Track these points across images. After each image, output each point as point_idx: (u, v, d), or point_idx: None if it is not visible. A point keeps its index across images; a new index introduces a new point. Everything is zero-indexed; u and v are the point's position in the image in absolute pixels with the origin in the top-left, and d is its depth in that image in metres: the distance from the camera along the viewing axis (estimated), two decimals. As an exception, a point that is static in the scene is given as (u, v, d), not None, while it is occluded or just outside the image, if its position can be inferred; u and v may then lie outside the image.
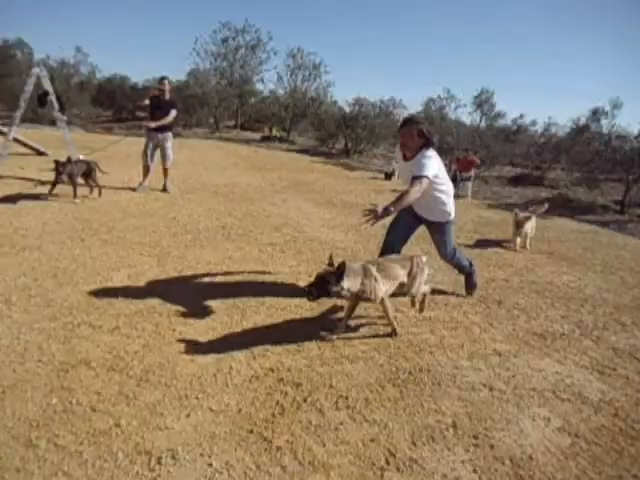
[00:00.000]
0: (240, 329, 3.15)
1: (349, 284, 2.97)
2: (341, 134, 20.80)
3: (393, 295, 3.32)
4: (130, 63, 73.23)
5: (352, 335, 3.23)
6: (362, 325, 3.41)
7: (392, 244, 3.85)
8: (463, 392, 2.67)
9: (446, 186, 3.68)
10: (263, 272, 4.29)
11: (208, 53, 28.04)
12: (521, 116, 25.03)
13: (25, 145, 9.39)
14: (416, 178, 3.32)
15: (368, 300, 3.15)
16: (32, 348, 2.65)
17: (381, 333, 3.32)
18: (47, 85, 8.14)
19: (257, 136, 24.86)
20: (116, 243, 4.68)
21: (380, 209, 3.17)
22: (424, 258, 3.55)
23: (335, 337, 3.15)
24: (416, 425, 2.35)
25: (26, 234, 4.63)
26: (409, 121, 3.59)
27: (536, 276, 4.99)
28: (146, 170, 7.38)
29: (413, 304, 3.75)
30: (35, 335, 2.79)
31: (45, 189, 6.59)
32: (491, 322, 3.68)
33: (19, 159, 8.84)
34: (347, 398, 2.51)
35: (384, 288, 3.15)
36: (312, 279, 3.03)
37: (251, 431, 2.17)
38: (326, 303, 3.61)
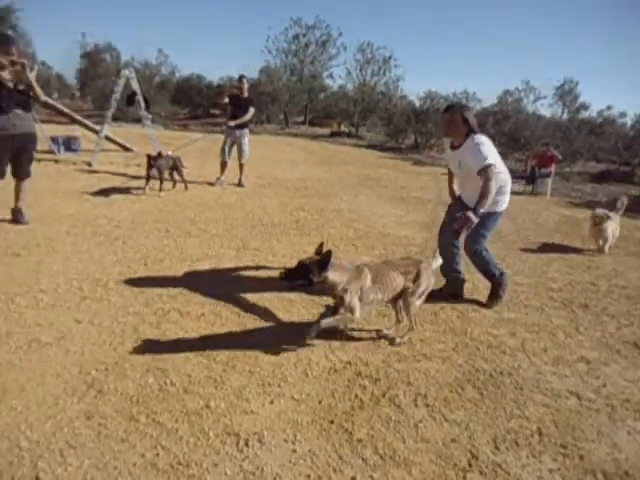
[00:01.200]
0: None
1: (334, 276, 2.70)
2: (411, 129, 20.45)
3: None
4: (206, 63, 76.18)
5: (427, 334, 3.19)
6: (436, 323, 3.36)
7: (446, 244, 3.72)
8: (548, 399, 2.55)
9: (504, 174, 3.50)
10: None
11: (279, 50, 28.65)
12: (608, 107, 23.29)
13: (114, 142, 10.11)
14: (482, 170, 3.20)
15: (342, 301, 2.76)
16: (129, 330, 2.88)
17: (457, 332, 3.26)
18: (135, 86, 8.71)
19: (325, 131, 25.04)
20: (198, 235, 4.93)
21: (471, 215, 3.10)
22: (434, 264, 3.28)
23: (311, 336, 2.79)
24: (498, 429, 2.28)
25: (118, 225, 5.00)
26: (452, 107, 3.46)
27: (626, 280, 4.65)
28: (223, 165, 7.69)
29: (398, 319, 3.14)
30: (131, 318, 3.02)
31: (135, 183, 7.08)
32: (577, 327, 3.48)
33: (109, 155, 9.52)
34: (426, 396, 2.49)
35: (373, 296, 2.84)
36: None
37: (332, 422, 2.22)
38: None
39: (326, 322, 2.79)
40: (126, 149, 10.59)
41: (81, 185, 6.73)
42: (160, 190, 6.45)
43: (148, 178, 6.30)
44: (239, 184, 7.78)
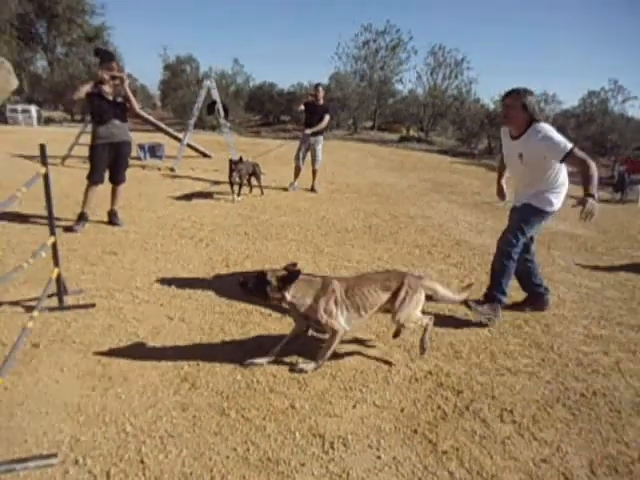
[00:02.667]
0: (393, 329, 3.20)
1: (293, 296, 2.53)
2: (484, 133, 19.78)
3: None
4: (278, 71, 78.26)
5: (511, 347, 3.08)
6: (519, 336, 3.22)
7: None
8: (650, 424, 2.37)
9: (565, 173, 3.31)
10: (413, 274, 4.29)
11: (349, 56, 28.86)
12: None
13: (194, 149, 10.66)
14: (569, 155, 3.01)
15: (319, 324, 2.61)
16: (216, 328, 3.03)
17: (543, 347, 3.11)
18: (215, 96, 9.14)
19: (394, 137, 24.83)
20: (275, 238, 5.08)
21: (592, 201, 2.86)
22: (428, 281, 2.95)
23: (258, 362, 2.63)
24: (594, 452, 2.16)
25: (201, 228, 5.27)
26: (512, 91, 3.20)
27: None
28: (297, 171, 7.86)
29: (397, 334, 2.97)
30: (217, 317, 3.18)
31: (214, 188, 7.43)
32: (681, 349, 3.20)
33: (189, 161, 10.04)
34: (512, 412, 2.41)
35: (347, 318, 2.61)
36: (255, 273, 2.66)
37: (415, 431, 2.21)
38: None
39: (321, 356, 2.61)
40: (204, 155, 11.13)
41: (165, 189, 7.16)
42: (238, 194, 6.71)
43: (232, 183, 6.57)
44: (312, 189, 7.92)
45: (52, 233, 2.91)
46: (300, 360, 2.67)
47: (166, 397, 2.30)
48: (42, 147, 2.77)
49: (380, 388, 2.52)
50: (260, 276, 2.55)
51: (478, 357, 2.93)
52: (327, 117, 7.47)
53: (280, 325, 3.12)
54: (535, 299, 3.65)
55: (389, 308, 2.71)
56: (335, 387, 2.49)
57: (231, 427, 2.14)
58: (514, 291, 3.85)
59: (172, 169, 8.88)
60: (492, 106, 21.19)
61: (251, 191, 7.22)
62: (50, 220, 2.92)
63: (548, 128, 3.15)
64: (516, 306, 3.69)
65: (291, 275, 2.52)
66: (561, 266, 4.90)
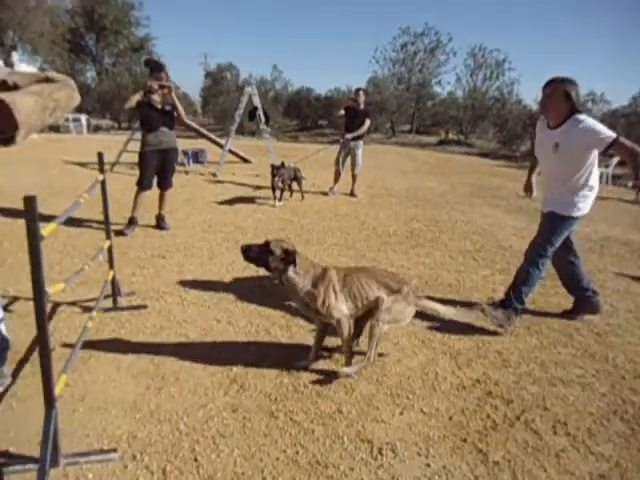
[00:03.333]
0: (440, 336, 3.16)
1: (294, 272, 2.45)
2: (527, 135, 19.23)
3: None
4: (315, 76, 78.83)
5: (562, 357, 2.98)
6: (570, 345, 3.11)
7: (560, 260, 3.44)
8: None
9: (596, 174, 3.20)
10: (457, 280, 4.22)
11: (387, 60, 28.74)
12: None
13: (235, 154, 10.88)
14: (615, 143, 2.91)
15: (317, 313, 2.53)
16: (262, 331, 3.08)
17: (597, 357, 2.99)
18: (256, 102, 9.31)
19: (433, 140, 24.52)
20: (316, 243, 5.11)
21: None
22: (425, 301, 2.79)
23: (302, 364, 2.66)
24: (657, 470, 2.06)
25: (244, 232, 5.37)
26: (556, 80, 3.07)
27: None
28: (337, 175, 7.89)
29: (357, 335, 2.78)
30: (263, 320, 3.23)
31: (256, 193, 7.57)
32: None
33: (230, 166, 10.26)
34: (566, 424, 2.33)
35: (342, 307, 2.53)
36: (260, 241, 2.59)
37: (465, 440, 2.17)
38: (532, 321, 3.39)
39: (346, 352, 2.58)
40: (245, 160, 11.34)
41: (208, 194, 7.34)
42: (280, 199, 6.79)
43: (274, 188, 6.67)
44: (352, 194, 7.93)
45: (108, 237, 3.05)
46: (342, 365, 2.67)
47: (216, 398, 2.36)
48: (100, 155, 2.91)
49: (427, 395, 2.50)
50: (264, 245, 2.49)
51: (527, 366, 2.85)
52: (368, 122, 7.48)
53: (325, 329, 3.13)
54: (584, 303, 3.53)
55: (376, 308, 2.58)
56: (381, 393, 2.49)
57: (280, 429, 2.17)
58: (563, 299, 3.74)
59: (214, 174, 9.09)
60: (535, 107, 20.60)
61: (292, 196, 7.30)
62: (106, 225, 3.06)
63: (590, 119, 3.06)
64: (566, 314, 3.57)
65: (292, 255, 2.45)
66: (613, 273, 4.70)
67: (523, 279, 3.33)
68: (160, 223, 5.26)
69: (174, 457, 1.96)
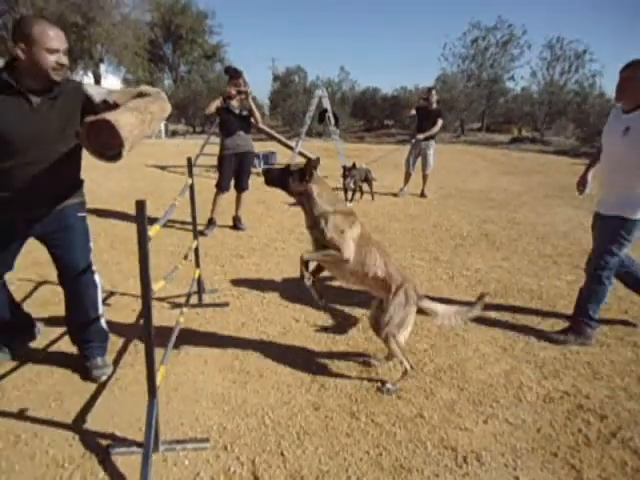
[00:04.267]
0: (522, 344, 3.04)
1: (315, 191, 2.39)
2: (611, 131, 17.89)
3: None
4: (381, 76, 78.24)
5: (663, 371, 2.76)
6: (677, 361, 2.87)
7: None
8: None
9: None
10: (539, 286, 4.03)
11: (456, 56, 27.91)
12: None
13: (304, 156, 11.05)
14: None
15: (324, 239, 2.38)
16: (339, 332, 3.12)
17: None
18: (326, 104, 9.41)
19: (505, 138, 23.49)
20: (389, 245, 5.08)
21: None
22: (427, 302, 2.56)
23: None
24: None
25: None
26: (633, 63, 2.77)
27: None
28: (407, 176, 7.81)
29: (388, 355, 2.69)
30: (340, 321, 3.27)
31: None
32: None
33: (300, 168, 10.44)
34: (670, 445, 2.16)
35: (352, 246, 2.39)
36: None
37: (555, 454, 2.08)
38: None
39: (309, 255, 2.51)
40: (313, 162, 11.48)
41: (281, 196, 7.50)
42: (351, 200, 6.83)
43: (345, 189, 6.72)
44: (422, 195, 7.80)
45: (195, 237, 3.23)
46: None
47: (299, 395, 2.43)
48: (189, 160, 3.09)
49: (512, 405, 2.41)
50: (284, 168, 2.54)
51: (622, 380, 2.67)
52: (440, 121, 7.33)
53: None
54: None
55: (379, 310, 2.49)
56: (463, 399, 2.44)
57: (362, 430, 2.19)
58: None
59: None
60: (621, 101, 19.13)
61: (362, 197, 7.31)
62: (194, 226, 3.24)
63: None
64: None
65: (308, 166, 2.42)
66: None
67: (587, 298, 3.06)
68: (237, 224, 5.48)
69: (262, 450, 2.04)
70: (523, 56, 26.82)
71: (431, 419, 2.28)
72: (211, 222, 5.29)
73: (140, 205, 1.70)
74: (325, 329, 3.16)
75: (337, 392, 2.47)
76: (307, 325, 3.20)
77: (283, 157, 10.98)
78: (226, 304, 3.42)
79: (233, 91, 5.30)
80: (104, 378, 2.49)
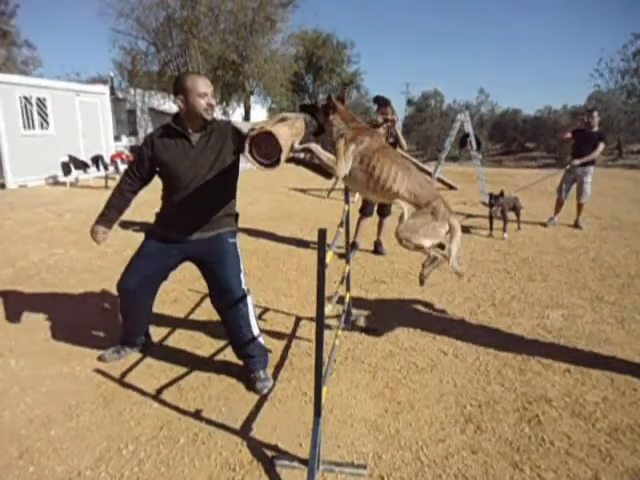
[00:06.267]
0: None
1: (336, 121, 2.53)
2: None
3: None
4: (522, 96, 73.75)
5: None
6: None
7: None
8: None
9: None
10: None
11: (614, 72, 25.16)
12: None
13: (441, 181, 10.85)
14: None
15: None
16: (493, 371, 2.94)
17: None
18: (469, 128, 9.15)
19: (677, 161, 20.36)
20: (540, 279, 4.70)
21: None
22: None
23: None
24: None
25: (460, 262, 5.26)
26: None
27: None
28: (559, 204, 7.18)
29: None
30: (492, 359, 3.09)
31: (468, 222, 7.39)
32: None
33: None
34: None
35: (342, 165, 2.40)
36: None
37: None
38: None
39: (315, 148, 2.43)
40: (451, 187, 11.21)
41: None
42: (504, 231, 6.43)
43: (491, 217, 6.41)
44: (576, 225, 7.10)
45: (347, 262, 3.34)
46: None
47: (454, 434, 2.33)
48: (346, 189, 3.22)
49: None
50: (314, 103, 2.70)
51: None
52: (602, 146, 6.64)
53: (564, 379, 2.83)
54: None
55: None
56: (651, 468, 2.12)
57: (527, 483, 2.02)
58: None
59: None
60: None
61: (506, 225, 6.89)
62: (347, 252, 3.36)
63: None
64: None
65: (328, 102, 2.58)
66: None
67: None
68: (378, 248, 5.54)
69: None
70: None
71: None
72: (353, 246, 5.42)
73: (322, 233, 1.82)
74: (476, 367, 3.00)
75: (495, 437, 2.32)
76: (456, 359, 3.08)
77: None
78: (373, 330, 3.46)
79: (380, 119, 5.43)
80: (266, 391, 2.66)
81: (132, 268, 2.71)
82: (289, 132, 2.21)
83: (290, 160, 2.58)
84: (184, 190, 2.55)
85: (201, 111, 2.47)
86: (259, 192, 10.47)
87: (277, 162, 2.10)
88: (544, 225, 7.23)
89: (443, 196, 2.55)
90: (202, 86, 2.46)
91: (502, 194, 6.28)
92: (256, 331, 2.72)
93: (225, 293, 2.62)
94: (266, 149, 2.06)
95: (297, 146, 2.42)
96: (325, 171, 2.57)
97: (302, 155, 2.70)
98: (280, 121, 2.37)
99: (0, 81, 10.74)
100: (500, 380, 2.84)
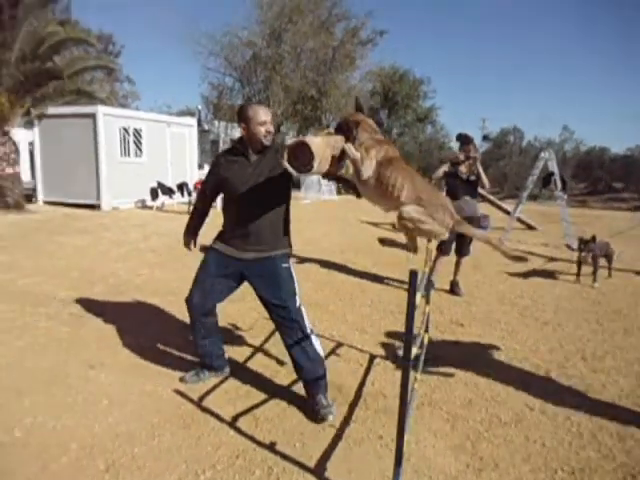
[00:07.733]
0: None
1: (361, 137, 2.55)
2: None
3: None
4: (612, 132, 69.43)
5: None
6: None
7: None
8: None
9: None
10: None
11: None
12: None
13: (520, 221, 10.39)
14: None
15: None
16: (586, 434, 2.69)
17: None
18: (553, 167, 8.75)
19: None
20: (638, 333, 4.29)
21: None
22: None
23: None
24: None
25: (544, 308, 4.96)
26: None
27: None
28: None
29: None
30: (584, 419, 2.83)
31: (552, 266, 6.99)
32: None
33: (514, 233, 9.78)
34: None
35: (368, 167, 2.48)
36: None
37: None
38: None
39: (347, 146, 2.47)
40: (530, 227, 10.70)
41: (496, 262, 7.07)
42: (594, 280, 5.97)
43: (580, 263, 6.01)
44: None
45: (427, 302, 3.25)
46: None
47: (544, 501, 2.14)
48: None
49: None
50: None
51: None
52: None
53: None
54: None
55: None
56: None
57: None
58: None
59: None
60: None
61: (596, 273, 6.41)
62: (427, 291, 3.28)
63: None
64: None
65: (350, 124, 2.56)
66: None
67: None
68: (454, 288, 5.36)
69: None
70: None
71: None
72: (429, 284, 5.28)
73: (413, 275, 1.79)
74: (567, 427, 2.76)
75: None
76: (543, 416, 2.85)
77: (496, 221, 10.48)
78: (451, 375, 3.31)
79: (462, 157, 5.36)
80: (331, 418, 2.64)
81: (196, 282, 2.95)
82: (322, 142, 2.37)
83: (327, 174, 2.62)
84: (240, 204, 2.76)
85: (261, 137, 2.71)
86: (331, 223, 10.61)
87: (310, 168, 2.26)
88: (639, 274, 6.65)
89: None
90: (262, 115, 2.69)
91: (594, 239, 5.86)
92: (319, 349, 2.81)
93: (281, 309, 2.77)
94: (302, 158, 2.26)
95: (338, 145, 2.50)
96: (356, 188, 2.66)
97: (342, 170, 2.72)
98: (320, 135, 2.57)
99: (105, 113, 11.90)
100: (596, 446, 2.59)
